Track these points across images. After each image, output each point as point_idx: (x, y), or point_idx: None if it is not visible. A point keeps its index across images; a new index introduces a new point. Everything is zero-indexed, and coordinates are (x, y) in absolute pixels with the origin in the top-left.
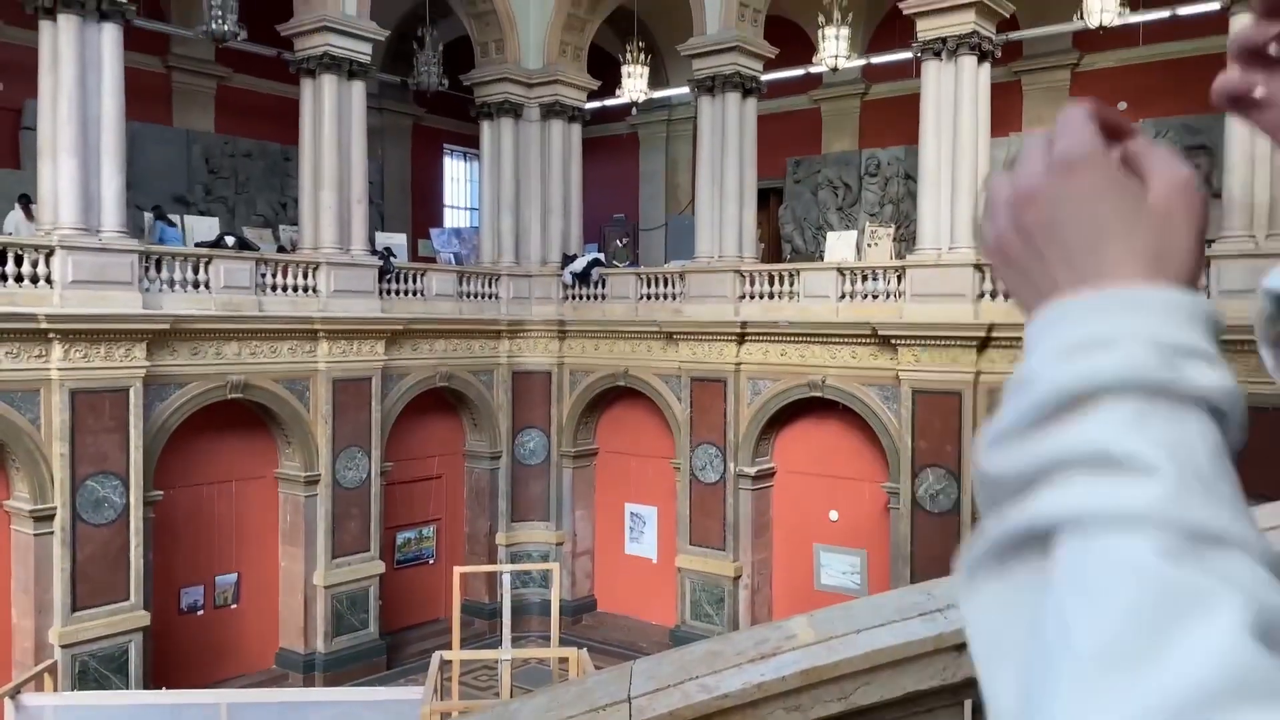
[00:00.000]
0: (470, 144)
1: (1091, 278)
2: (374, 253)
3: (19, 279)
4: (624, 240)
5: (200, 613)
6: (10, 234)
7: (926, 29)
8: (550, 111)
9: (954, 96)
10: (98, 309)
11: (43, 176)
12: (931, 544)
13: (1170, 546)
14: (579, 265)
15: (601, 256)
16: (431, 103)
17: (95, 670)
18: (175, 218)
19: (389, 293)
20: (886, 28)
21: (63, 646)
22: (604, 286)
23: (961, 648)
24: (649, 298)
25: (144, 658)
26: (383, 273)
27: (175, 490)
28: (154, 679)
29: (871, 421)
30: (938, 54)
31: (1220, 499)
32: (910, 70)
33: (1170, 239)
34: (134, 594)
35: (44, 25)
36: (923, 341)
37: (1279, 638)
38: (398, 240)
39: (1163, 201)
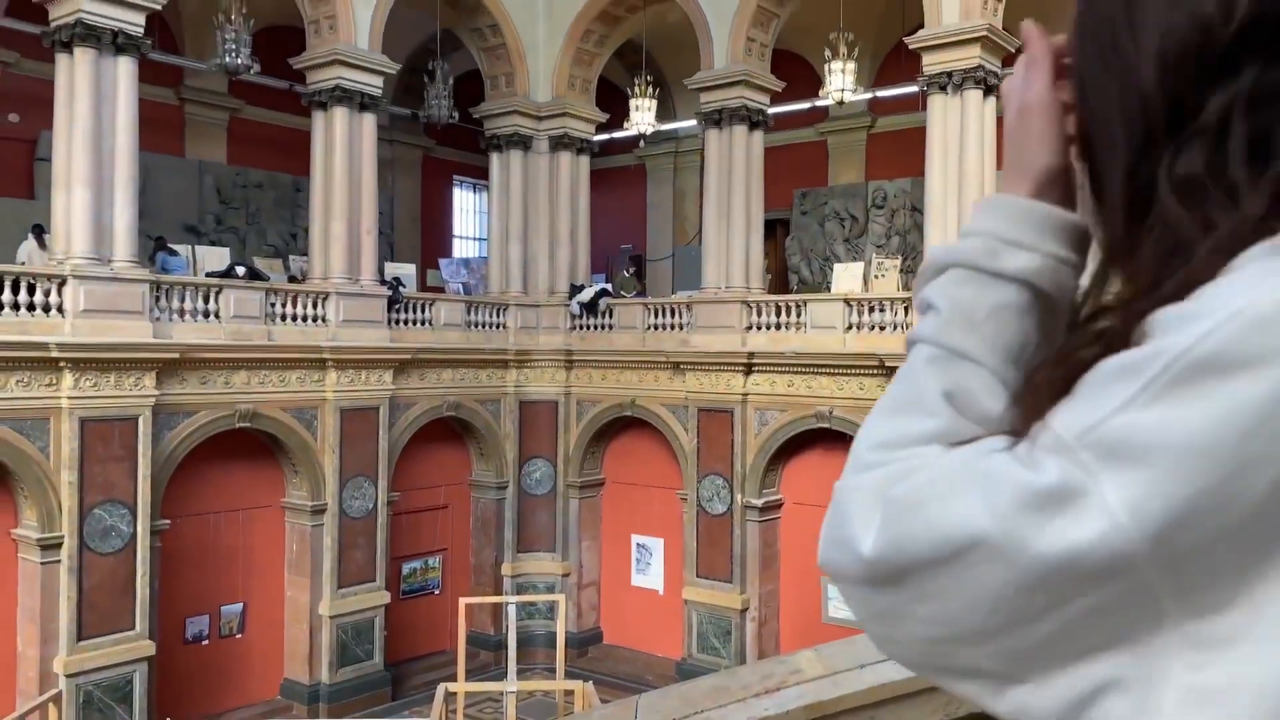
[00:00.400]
0: (479, 175)
1: (1004, 189)
2: (383, 283)
3: (31, 308)
4: (631, 270)
5: (205, 642)
6: (23, 263)
7: (932, 63)
8: (559, 143)
9: (960, 130)
10: (108, 338)
11: (56, 207)
12: None
13: (932, 355)
14: (586, 295)
15: (609, 286)
16: (441, 134)
17: (99, 700)
18: (182, 247)
19: (397, 322)
20: (893, 61)
21: (67, 676)
22: (611, 316)
23: None
24: (656, 328)
25: (148, 688)
26: (391, 302)
27: (182, 519)
28: (158, 709)
29: None
30: (943, 88)
31: (978, 335)
32: (917, 104)
33: (1024, 156)
34: (139, 623)
35: (61, 59)
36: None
37: (961, 406)
38: (407, 270)
39: (1013, 127)
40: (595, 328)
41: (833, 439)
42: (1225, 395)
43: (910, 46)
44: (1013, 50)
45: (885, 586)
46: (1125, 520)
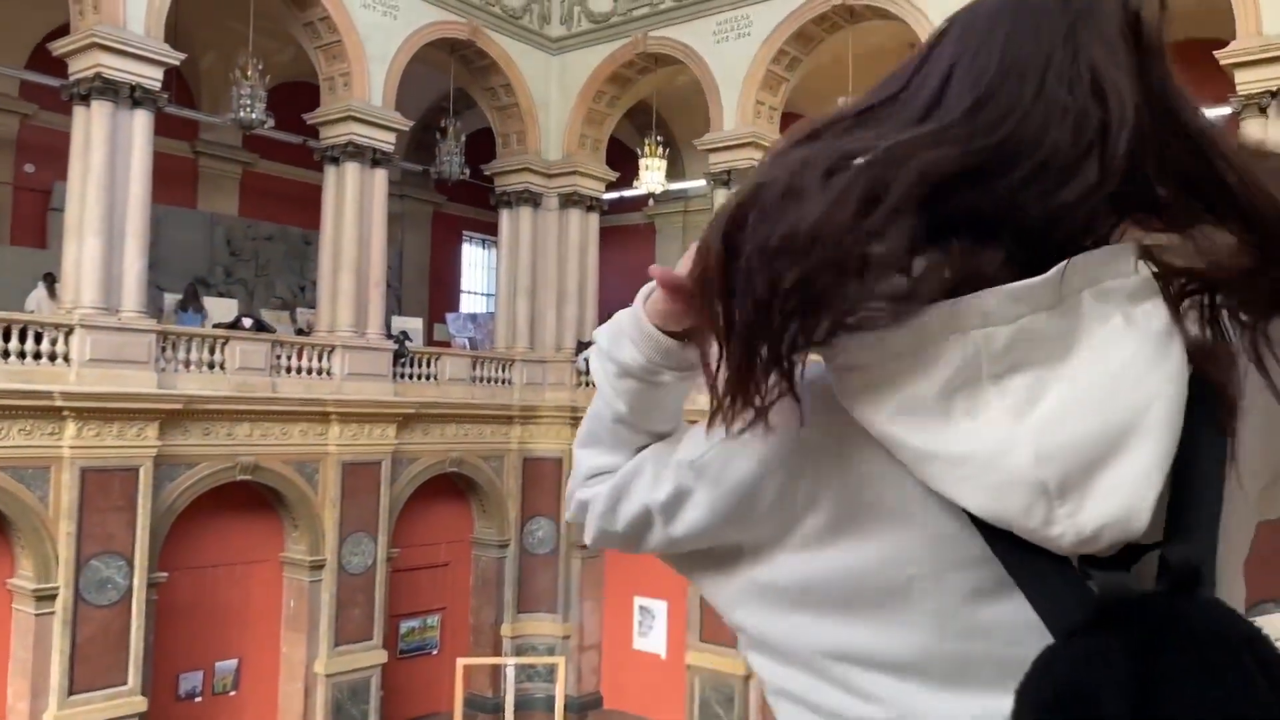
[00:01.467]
0: (489, 231)
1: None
2: (389, 336)
3: (37, 356)
4: None
5: (199, 699)
6: (32, 311)
7: None
8: (568, 201)
9: None
10: (113, 388)
11: (67, 256)
12: None
13: (599, 399)
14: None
15: None
16: (452, 190)
17: None
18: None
19: (402, 376)
20: None
21: None
22: None
23: None
24: None
25: None
26: (397, 356)
27: (180, 572)
28: None
29: None
30: None
31: (615, 392)
32: None
33: (660, 306)
34: (132, 678)
35: (78, 111)
36: None
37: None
38: (413, 324)
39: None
40: None
41: None
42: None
43: None
44: None
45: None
46: (712, 507)
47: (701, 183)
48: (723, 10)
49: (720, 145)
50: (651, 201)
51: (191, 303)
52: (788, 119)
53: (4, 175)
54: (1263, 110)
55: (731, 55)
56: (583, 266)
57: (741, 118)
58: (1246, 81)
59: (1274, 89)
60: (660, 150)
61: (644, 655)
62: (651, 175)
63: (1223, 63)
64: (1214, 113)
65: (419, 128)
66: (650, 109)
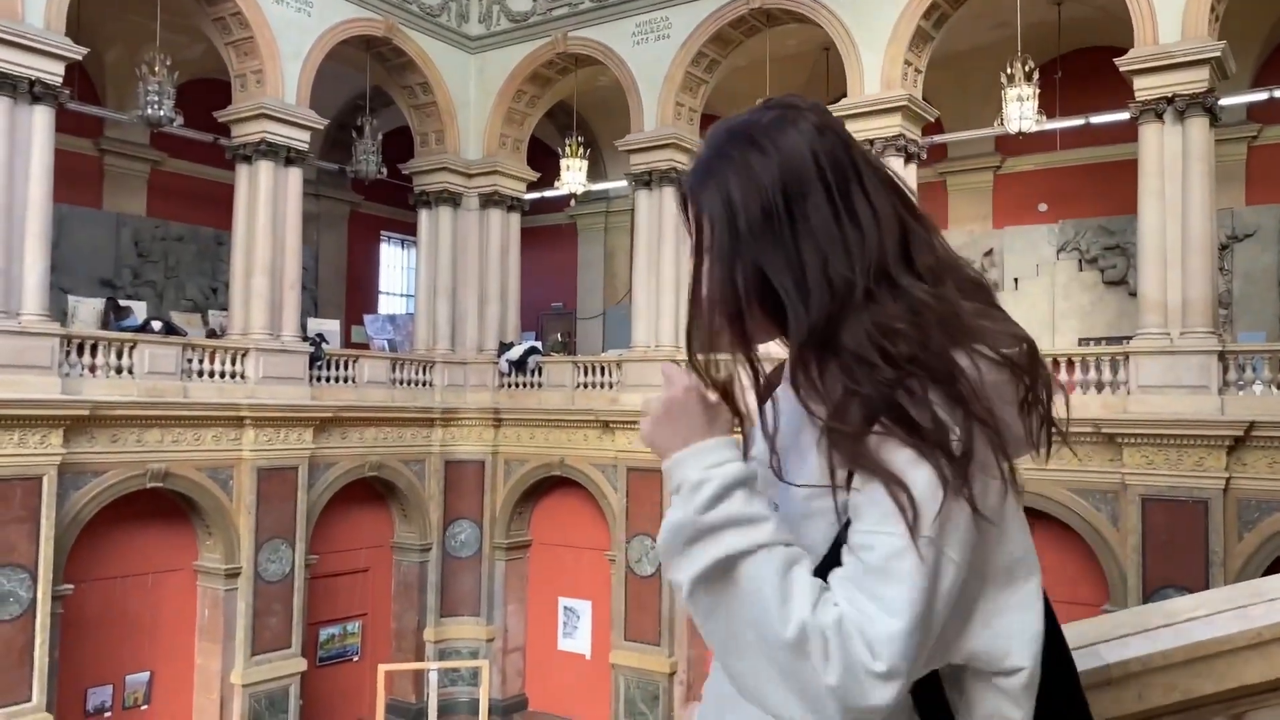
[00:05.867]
0: (408, 231)
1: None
2: (305, 339)
3: None
4: (565, 337)
5: (108, 714)
6: None
7: (854, 131)
8: (489, 201)
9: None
10: (13, 394)
11: None
12: None
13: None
14: (516, 353)
15: (539, 345)
16: (369, 190)
17: None
18: (95, 301)
19: (319, 379)
20: None
21: None
22: (541, 375)
23: None
24: (586, 386)
25: None
26: (314, 359)
27: (87, 584)
28: None
29: None
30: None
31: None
32: None
33: (679, 423)
34: (36, 695)
35: None
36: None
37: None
38: (330, 326)
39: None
40: (524, 386)
41: None
42: None
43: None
44: (932, 119)
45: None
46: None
47: (623, 183)
48: (642, 12)
49: (641, 146)
50: (573, 202)
51: (119, 313)
52: (707, 120)
53: None
54: (1159, 116)
55: (651, 56)
56: (504, 267)
57: (661, 119)
58: (1144, 88)
59: (1169, 95)
60: (581, 150)
61: (569, 656)
62: (573, 175)
63: (1122, 70)
64: (1114, 118)
65: (335, 126)
66: (571, 109)
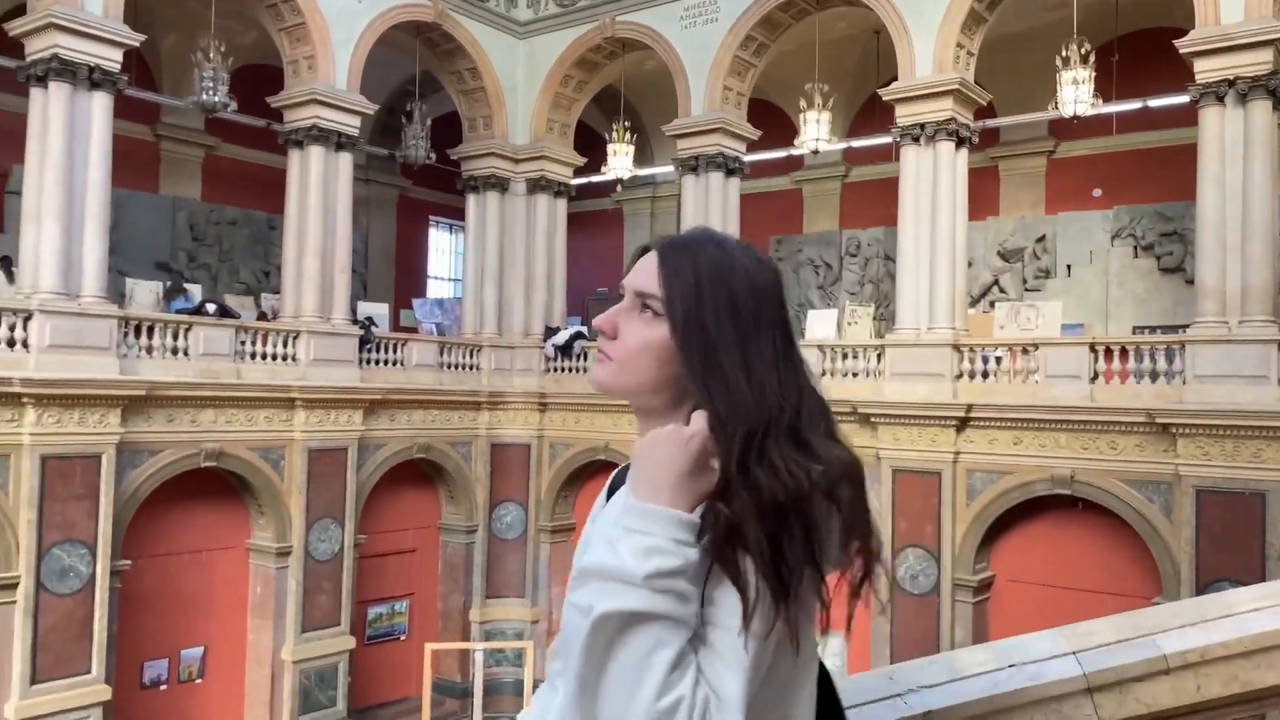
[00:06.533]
0: (456, 216)
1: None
2: (355, 322)
3: None
4: None
5: (164, 687)
6: None
7: (905, 115)
8: (536, 186)
9: (932, 180)
10: (74, 374)
11: (25, 241)
12: (912, 625)
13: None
14: (561, 338)
15: (585, 329)
16: (418, 175)
17: None
18: (152, 284)
19: (369, 362)
20: (867, 112)
21: None
22: (586, 359)
23: None
24: None
25: None
26: (363, 342)
27: (143, 560)
28: None
29: None
30: (916, 139)
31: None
32: (890, 154)
33: (672, 467)
34: (95, 667)
35: (35, 93)
36: (902, 420)
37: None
38: (380, 310)
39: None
40: (570, 370)
41: None
42: None
43: (884, 98)
44: (984, 103)
45: None
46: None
47: (670, 168)
48: None
49: (688, 131)
50: (620, 187)
51: (178, 293)
52: (755, 105)
53: None
54: (1219, 99)
55: (699, 40)
56: (551, 252)
57: (709, 103)
58: (1205, 70)
59: (1230, 78)
60: (628, 135)
61: None
62: (619, 160)
63: (1182, 51)
64: (1173, 101)
65: (384, 111)
66: (618, 94)
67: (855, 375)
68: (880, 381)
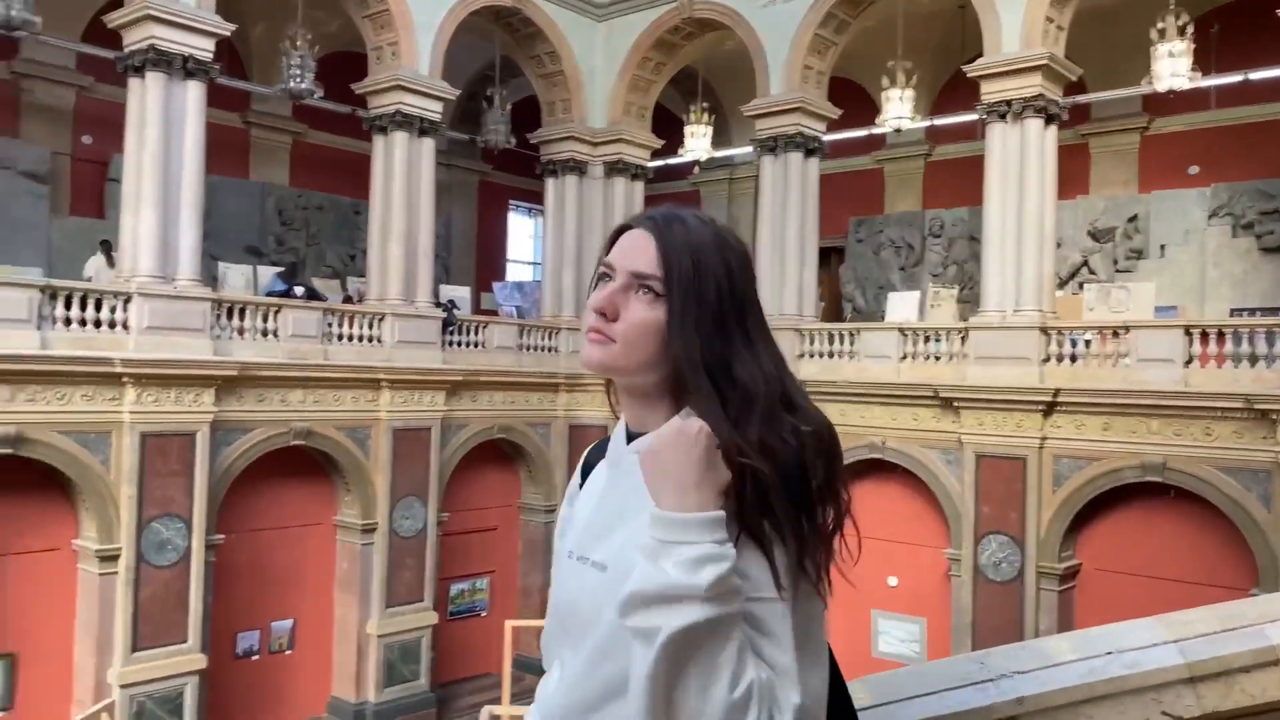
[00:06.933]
0: (535, 200)
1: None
2: (438, 305)
3: (97, 324)
4: None
5: (255, 657)
6: (90, 278)
7: (991, 92)
8: (614, 169)
9: (1019, 159)
10: (170, 354)
11: (124, 226)
12: (994, 613)
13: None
14: None
15: None
16: (498, 159)
17: (151, 712)
18: (243, 268)
19: (451, 344)
20: (951, 89)
21: (121, 686)
22: None
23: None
24: None
25: (199, 701)
26: (445, 325)
27: (236, 534)
28: None
29: (933, 485)
30: (1003, 116)
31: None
32: (975, 132)
33: (687, 470)
34: (192, 636)
35: (133, 83)
36: (986, 404)
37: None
38: (461, 293)
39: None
40: None
41: (883, 470)
42: None
43: (969, 75)
44: (1074, 79)
45: None
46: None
47: (748, 149)
48: None
49: (767, 111)
50: (697, 169)
51: (292, 279)
52: (835, 83)
53: (63, 147)
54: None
55: (779, 19)
56: None
57: (788, 83)
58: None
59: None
60: (706, 117)
61: None
62: (697, 142)
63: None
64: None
65: (465, 96)
66: (696, 75)
67: (937, 358)
68: (964, 365)
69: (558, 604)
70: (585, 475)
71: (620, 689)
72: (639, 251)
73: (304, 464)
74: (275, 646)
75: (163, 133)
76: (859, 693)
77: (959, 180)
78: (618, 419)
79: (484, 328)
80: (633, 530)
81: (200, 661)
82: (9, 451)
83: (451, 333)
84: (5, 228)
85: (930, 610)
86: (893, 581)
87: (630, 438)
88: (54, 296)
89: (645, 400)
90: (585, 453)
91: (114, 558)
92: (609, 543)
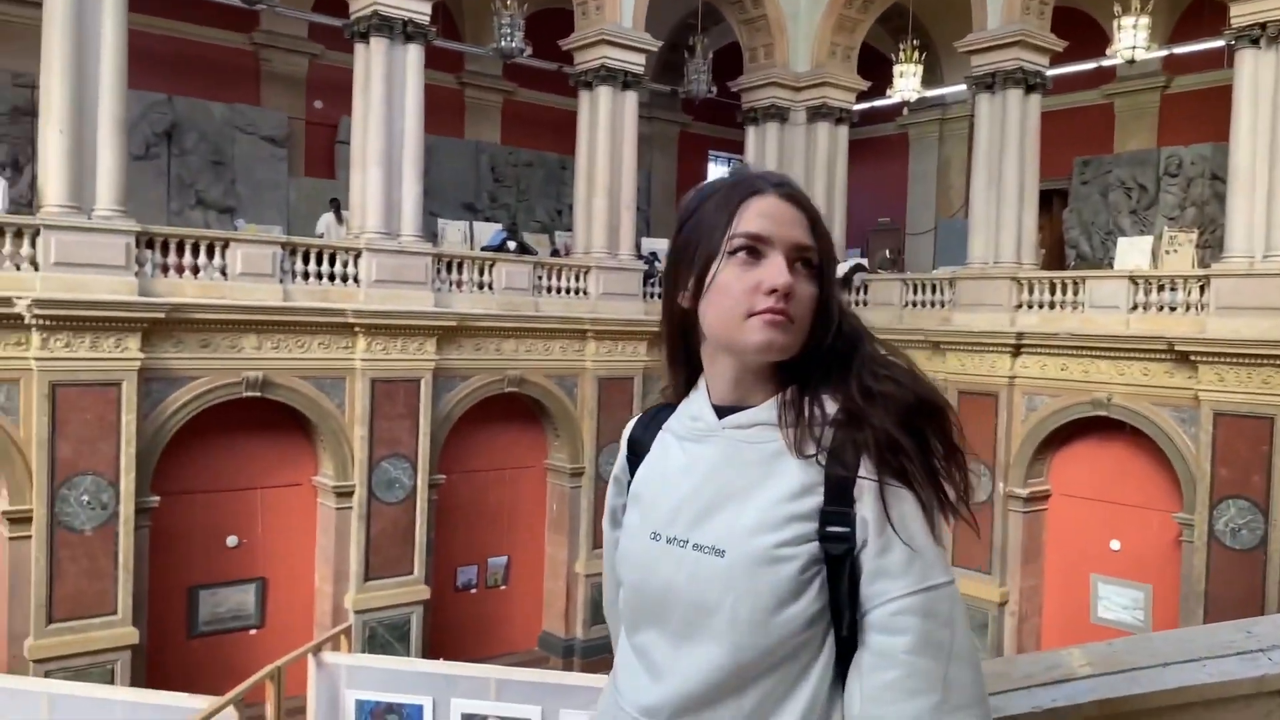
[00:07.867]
0: (735, 149)
1: None
2: (639, 257)
3: (331, 277)
4: (893, 253)
5: (474, 591)
6: (321, 235)
7: (1242, 14)
8: (817, 114)
9: (1273, 88)
10: (396, 306)
11: (353, 186)
12: (1230, 583)
13: None
14: (842, 270)
15: (864, 262)
16: (698, 110)
17: (382, 636)
18: (459, 223)
19: (651, 296)
20: (1193, 14)
21: (356, 612)
22: (866, 293)
23: None
24: (915, 305)
25: (423, 628)
26: (647, 277)
27: (455, 475)
28: (431, 649)
29: (1164, 445)
30: (1255, 41)
31: None
32: (1220, 60)
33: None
34: (417, 569)
35: (359, 49)
36: (1229, 359)
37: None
38: (662, 246)
39: None
40: (850, 305)
41: (1108, 428)
42: None
43: None
44: None
45: None
46: None
47: (961, 88)
48: None
49: (983, 46)
50: (905, 111)
51: (513, 235)
52: (1060, 14)
53: (297, 111)
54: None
55: None
56: (831, 182)
57: (1007, 15)
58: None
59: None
60: (916, 55)
61: None
62: (906, 82)
63: None
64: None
65: (667, 48)
66: (906, 11)
67: (1173, 309)
68: (1203, 316)
69: (643, 586)
70: (632, 449)
71: (759, 676)
72: (794, 223)
73: (517, 410)
74: (491, 581)
75: (385, 95)
76: (1095, 658)
77: (1201, 114)
78: (667, 404)
79: None
80: (748, 512)
81: (424, 592)
82: (258, 394)
83: (652, 285)
84: (251, 188)
85: (1156, 577)
86: (1115, 545)
87: (720, 412)
88: (294, 252)
89: (757, 375)
90: (630, 426)
91: (348, 493)
92: (715, 526)
